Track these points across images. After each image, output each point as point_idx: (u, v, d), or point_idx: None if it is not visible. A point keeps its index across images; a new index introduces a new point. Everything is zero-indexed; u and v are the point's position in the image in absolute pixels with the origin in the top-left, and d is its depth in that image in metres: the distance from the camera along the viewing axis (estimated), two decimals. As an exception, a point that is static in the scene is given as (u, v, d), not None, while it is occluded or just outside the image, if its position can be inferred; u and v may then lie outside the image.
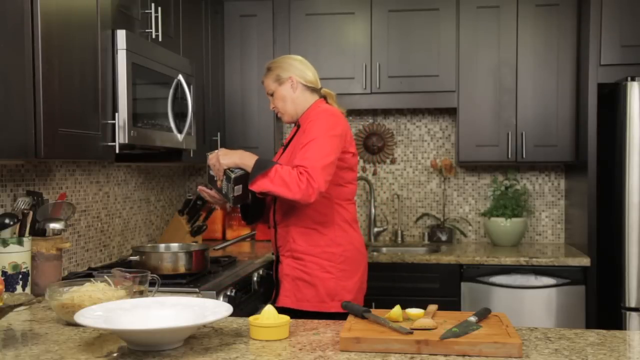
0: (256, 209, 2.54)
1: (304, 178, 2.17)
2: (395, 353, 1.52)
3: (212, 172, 2.36)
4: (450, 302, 3.41)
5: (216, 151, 2.32)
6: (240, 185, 2.27)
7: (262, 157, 2.29)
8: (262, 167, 2.20)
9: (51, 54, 1.94)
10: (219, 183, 2.33)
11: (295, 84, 2.45)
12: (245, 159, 2.26)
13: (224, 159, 2.28)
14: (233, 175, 2.26)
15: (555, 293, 3.39)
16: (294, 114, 2.49)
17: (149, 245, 2.79)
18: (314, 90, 2.49)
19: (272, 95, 2.50)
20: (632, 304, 3.18)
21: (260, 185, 2.20)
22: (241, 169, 2.28)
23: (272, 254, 2.62)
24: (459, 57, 3.71)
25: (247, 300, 2.78)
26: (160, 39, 2.73)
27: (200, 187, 2.47)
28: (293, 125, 2.57)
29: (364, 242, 2.55)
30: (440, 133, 4.12)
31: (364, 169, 4.17)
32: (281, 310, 2.19)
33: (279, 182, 2.17)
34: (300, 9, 3.82)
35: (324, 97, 2.53)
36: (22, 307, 1.96)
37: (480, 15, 3.70)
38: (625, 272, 3.18)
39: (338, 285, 2.40)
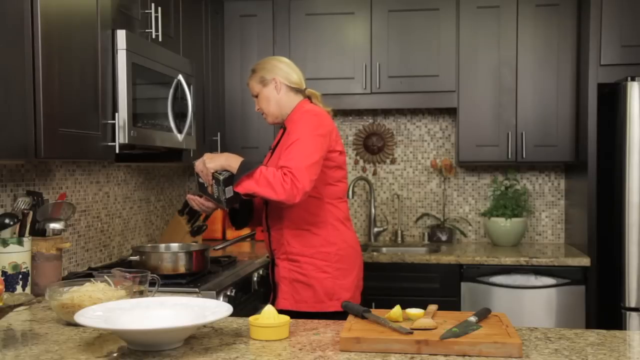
0: (244, 212, 2.53)
1: (288, 179, 2.17)
2: (395, 353, 1.52)
3: (201, 180, 2.35)
4: (450, 302, 3.41)
5: (202, 158, 2.33)
6: (231, 187, 2.28)
7: (248, 158, 2.29)
8: (247, 168, 2.21)
9: (51, 54, 1.94)
10: (209, 189, 2.33)
11: (279, 85, 2.44)
12: (230, 161, 2.26)
13: (210, 162, 2.28)
14: (221, 177, 2.27)
15: (555, 293, 3.39)
16: (278, 115, 2.48)
17: (149, 245, 2.79)
18: (298, 91, 2.48)
19: (256, 96, 2.50)
20: (632, 304, 3.17)
21: (245, 187, 2.20)
22: (228, 171, 2.29)
23: (267, 257, 2.60)
24: (459, 57, 3.71)
25: (247, 300, 2.78)
26: (160, 39, 2.73)
27: (188, 196, 2.46)
28: (280, 127, 2.57)
29: (357, 239, 2.53)
30: (440, 133, 4.12)
31: (364, 169, 4.17)
32: (280, 312, 2.19)
33: (263, 183, 2.18)
34: (300, 9, 3.82)
35: (309, 98, 2.52)
36: (22, 307, 1.96)
37: (480, 15, 3.70)
38: (625, 272, 3.18)
39: (335, 284, 2.39)
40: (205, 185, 2.33)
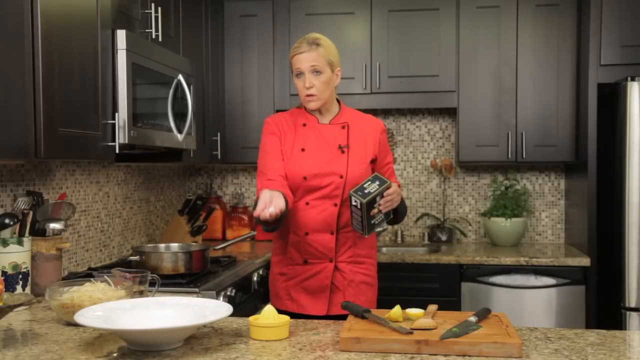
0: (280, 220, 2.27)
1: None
2: (395, 353, 1.52)
3: (379, 199, 2.16)
4: (450, 302, 3.41)
5: (394, 187, 2.21)
6: (385, 221, 2.30)
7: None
8: (403, 202, 2.38)
9: (51, 54, 1.95)
10: (374, 211, 2.17)
11: (339, 79, 2.40)
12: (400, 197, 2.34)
13: (398, 199, 2.27)
14: (391, 217, 2.30)
15: (555, 293, 3.39)
16: (325, 104, 2.35)
17: (149, 245, 2.79)
18: None
19: (318, 72, 2.29)
20: (632, 304, 3.18)
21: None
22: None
23: (305, 261, 2.34)
24: (459, 57, 3.71)
25: (247, 300, 2.78)
26: (160, 39, 2.73)
27: (269, 212, 1.97)
28: (319, 116, 2.39)
29: None
30: (440, 133, 4.12)
31: (364, 169, 4.17)
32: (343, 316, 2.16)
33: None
34: (300, 9, 3.82)
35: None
36: (22, 307, 1.96)
37: (480, 15, 3.70)
38: (625, 272, 3.18)
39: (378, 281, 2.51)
40: (375, 205, 2.17)
